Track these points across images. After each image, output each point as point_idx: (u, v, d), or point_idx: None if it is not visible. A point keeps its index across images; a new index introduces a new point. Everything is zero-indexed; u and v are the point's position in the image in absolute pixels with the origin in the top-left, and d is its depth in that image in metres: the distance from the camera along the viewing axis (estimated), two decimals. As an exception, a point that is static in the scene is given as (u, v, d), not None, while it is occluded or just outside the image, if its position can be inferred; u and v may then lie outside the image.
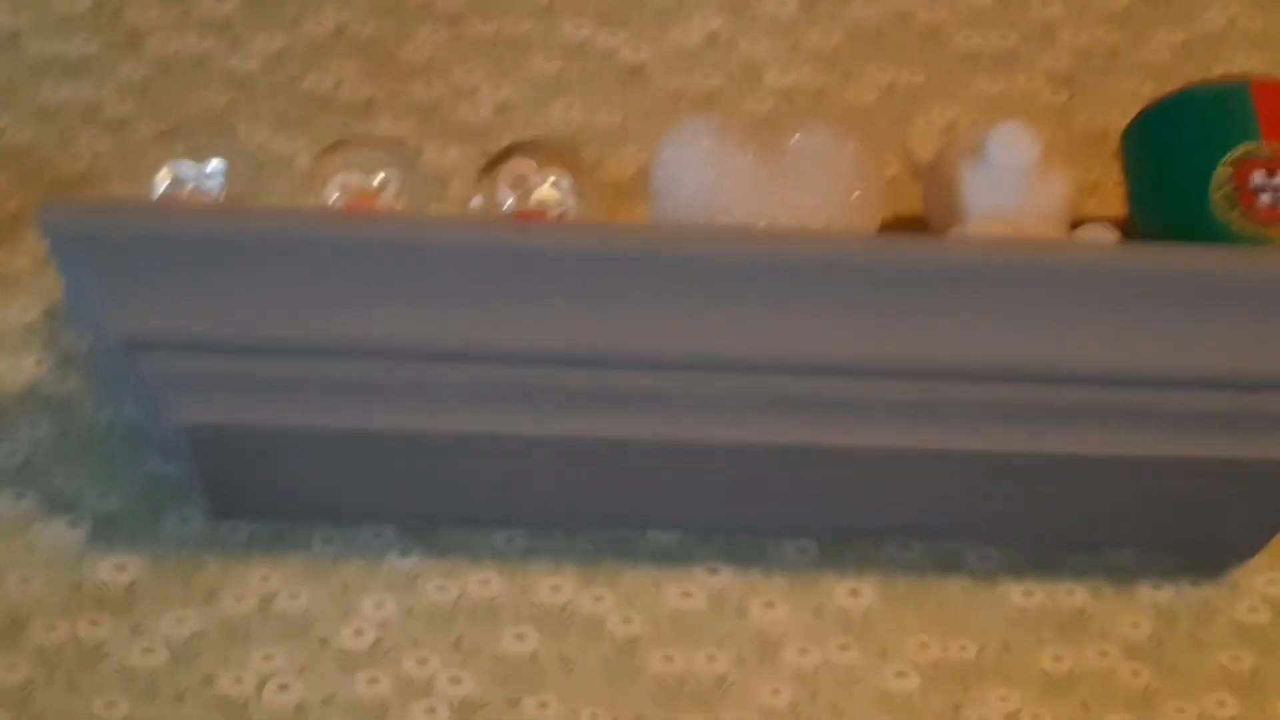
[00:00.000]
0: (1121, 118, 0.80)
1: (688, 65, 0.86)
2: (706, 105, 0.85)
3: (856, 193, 0.69)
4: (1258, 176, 0.69)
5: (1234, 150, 0.70)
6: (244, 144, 0.71)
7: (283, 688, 0.69)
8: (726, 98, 0.85)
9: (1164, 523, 0.72)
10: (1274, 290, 0.64)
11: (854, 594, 0.73)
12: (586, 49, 0.86)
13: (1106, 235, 0.68)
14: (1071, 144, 0.84)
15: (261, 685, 0.69)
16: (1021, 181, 0.70)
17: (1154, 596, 0.73)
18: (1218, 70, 0.87)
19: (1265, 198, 0.69)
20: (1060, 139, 0.84)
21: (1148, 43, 0.88)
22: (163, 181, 0.69)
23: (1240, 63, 0.87)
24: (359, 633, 0.70)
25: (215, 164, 0.69)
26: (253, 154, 0.78)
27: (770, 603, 0.72)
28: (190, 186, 0.69)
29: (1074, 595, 0.73)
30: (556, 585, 0.72)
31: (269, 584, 0.71)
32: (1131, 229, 0.74)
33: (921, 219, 0.75)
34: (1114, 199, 0.82)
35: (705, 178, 0.68)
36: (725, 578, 0.73)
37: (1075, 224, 0.71)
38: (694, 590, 0.72)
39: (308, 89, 0.84)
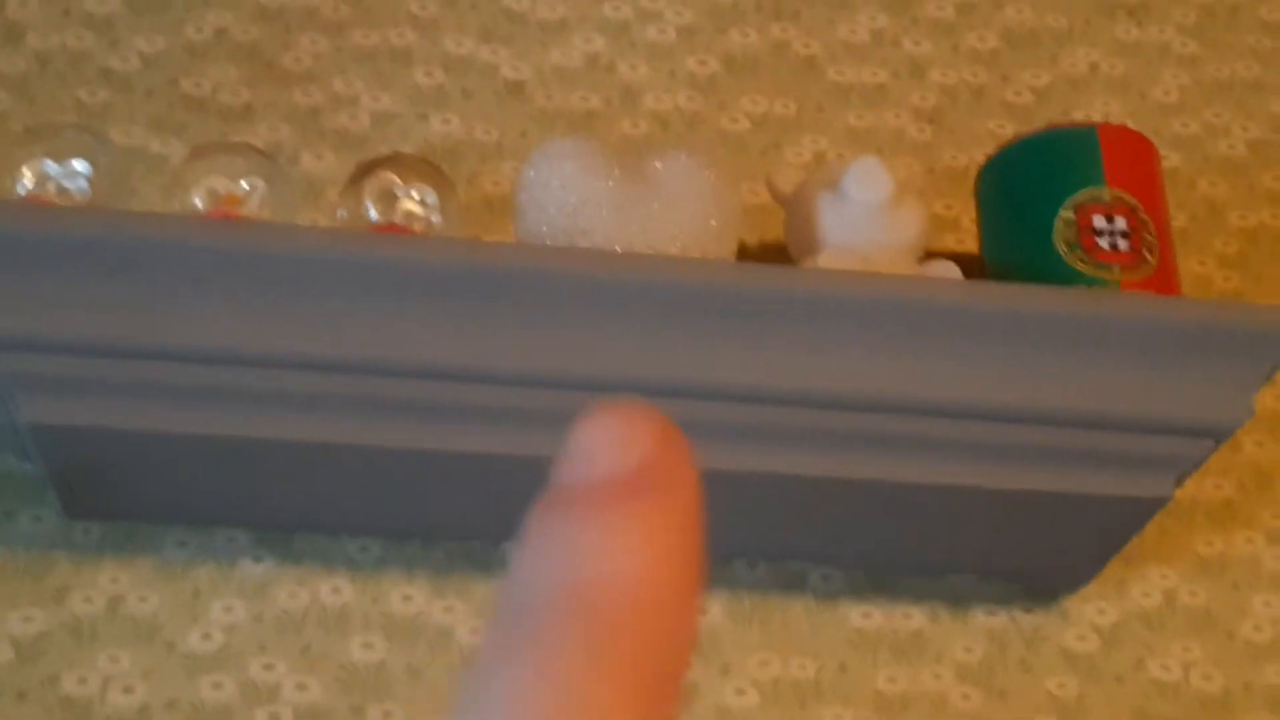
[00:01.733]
0: (982, 156, 0.83)
1: (567, 85, 0.87)
2: (584, 125, 0.86)
3: (713, 221, 0.70)
4: (1098, 220, 0.72)
5: (1078, 194, 0.73)
6: (113, 145, 0.72)
7: (127, 690, 0.69)
8: (604, 119, 0.87)
9: (1001, 551, 0.74)
10: (1105, 331, 0.66)
11: (700, 611, 0.74)
12: (467, 64, 0.87)
13: (950, 271, 0.70)
14: (934, 180, 0.87)
15: (105, 687, 0.69)
16: (875, 216, 0.73)
17: (988, 622, 0.75)
18: (1078, 114, 0.90)
19: (1104, 241, 0.72)
20: (923, 175, 0.87)
21: (1011, 84, 0.91)
22: (26, 180, 0.69)
23: (1100, 107, 0.91)
24: (206, 637, 0.71)
25: (79, 164, 0.69)
26: (121, 155, 0.78)
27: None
28: (54, 186, 0.69)
29: (911, 619, 0.75)
30: (408, 595, 0.73)
31: (119, 585, 0.72)
32: (984, 267, 0.77)
33: (784, 249, 0.77)
34: (973, 235, 0.84)
35: (566, 200, 0.69)
36: (575, 592, 0.74)
37: (925, 259, 0.74)
38: (544, 603, 0.74)
39: (185, 92, 0.84)
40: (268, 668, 0.70)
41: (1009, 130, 0.89)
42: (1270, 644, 0.76)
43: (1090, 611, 0.76)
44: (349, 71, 0.86)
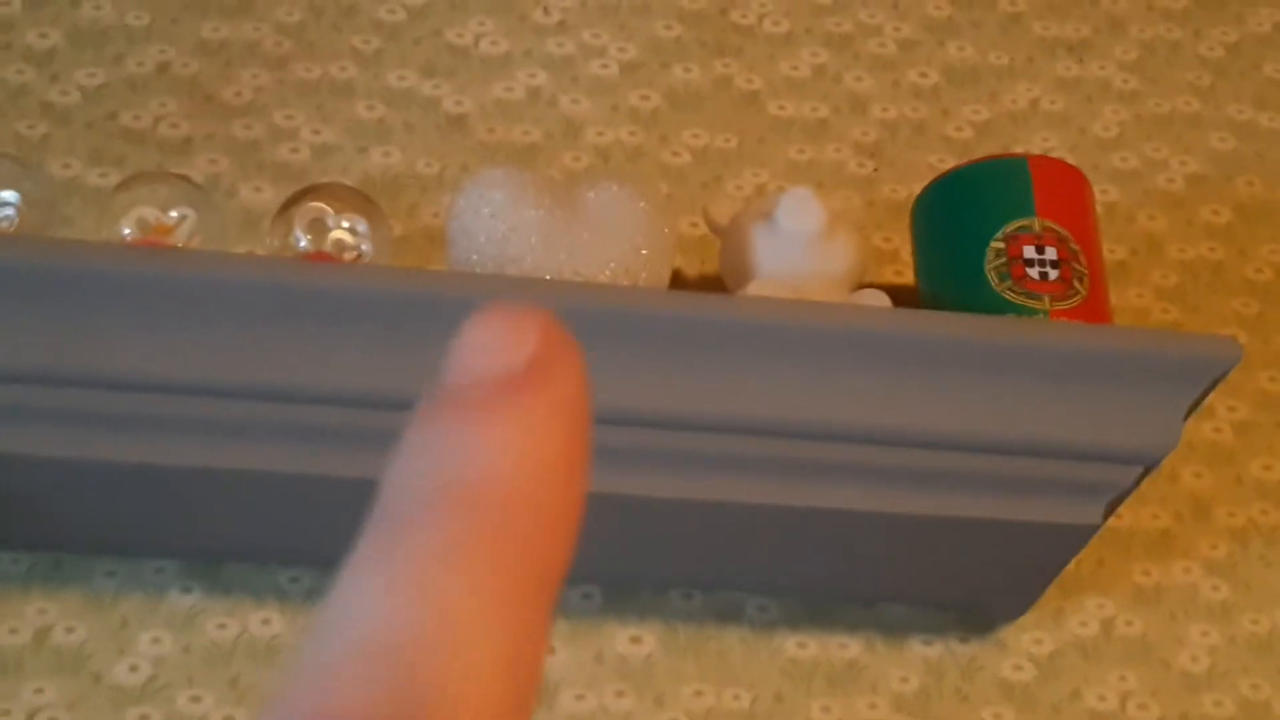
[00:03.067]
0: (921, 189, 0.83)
1: (509, 119, 0.88)
2: (525, 158, 0.86)
3: (644, 250, 0.71)
4: (1029, 250, 0.73)
5: (1008, 225, 0.73)
6: (43, 175, 0.72)
7: (51, 722, 0.69)
8: (545, 152, 0.87)
9: (934, 579, 0.74)
10: (1031, 358, 0.67)
11: (635, 641, 0.74)
12: (409, 98, 0.87)
13: (879, 299, 0.71)
14: (874, 213, 0.87)
15: (31, 719, 0.69)
16: (807, 246, 0.73)
17: (924, 652, 0.75)
18: (1018, 148, 0.91)
19: (1034, 271, 0.72)
20: (863, 208, 0.87)
21: (953, 119, 0.91)
22: (-45, 209, 0.69)
23: (1039, 142, 0.91)
24: (134, 669, 0.70)
25: (7, 194, 0.69)
26: (53, 185, 0.78)
27: (551, 648, 0.73)
28: (-15, 215, 0.69)
29: (847, 648, 0.74)
30: (339, 626, 0.72)
31: (46, 616, 0.71)
32: (919, 297, 0.77)
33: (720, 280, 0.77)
34: (912, 267, 0.85)
35: (496, 228, 0.69)
36: (509, 623, 0.74)
37: (858, 289, 0.74)
38: (477, 634, 0.73)
39: (125, 125, 0.84)
40: (195, 699, 0.70)
41: (949, 164, 0.89)
42: (1207, 674, 0.76)
43: (1027, 641, 0.76)
44: (290, 105, 0.86)
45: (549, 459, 0.19)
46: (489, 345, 0.19)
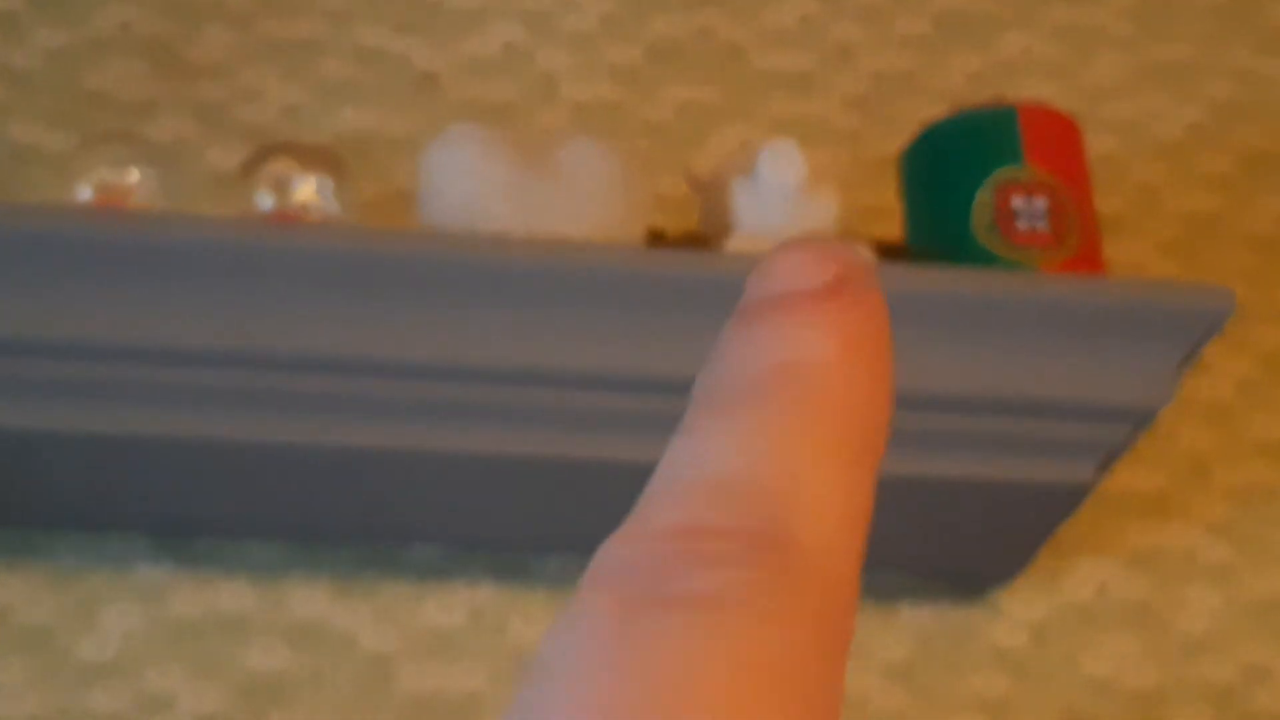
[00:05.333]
0: (910, 142, 0.80)
1: (483, 76, 0.85)
2: (501, 116, 0.84)
3: (616, 208, 0.68)
4: (1017, 200, 0.70)
5: (996, 174, 0.71)
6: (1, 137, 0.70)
7: (16, 699, 0.67)
8: (522, 110, 0.84)
9: (927, 544, 0.72)
10: (1016, 313, 0.64)
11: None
12: (379, 56, 0.85)
13: (862, 253, 0.68)
14: (862, 167, 0.85)
15: (-7, 697, 0.67)
16: (789, 199, 0.71)
17: (914, 618, 0.73)
18: (1011, 98, 0.88)
19: (1022, 223, 0.70)
20: (850, 162, 0.85)
21: (942, 69, 0.89)
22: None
23: (1032, 90, 0.89)
24: (100, 644, 0.68)
25: (-41, 157, 0.67)
26: (11, 149, 0.76)
27: (530, 619, 0.71)
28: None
29: (834, 615, 0.72)
30: (311, 599, 0.70)
31: (9, 593, 0.69)
32: (907, 251, 0.75)
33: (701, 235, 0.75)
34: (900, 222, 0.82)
35: (467, 186, 0.67)
36: (486, 593, 0.72)
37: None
38: (453, 606, 0.71)
39: (88, 87, 0.82)
40: (164, 675, 0.68)
41: (939, 115, 0.86)
42: (1204, 636, 0.74)
43: (1019, 607, 0.74)
44: (257, 64, 0.83)
45: (868, 356, 0.20)
46: (796, 265, 0.21)
